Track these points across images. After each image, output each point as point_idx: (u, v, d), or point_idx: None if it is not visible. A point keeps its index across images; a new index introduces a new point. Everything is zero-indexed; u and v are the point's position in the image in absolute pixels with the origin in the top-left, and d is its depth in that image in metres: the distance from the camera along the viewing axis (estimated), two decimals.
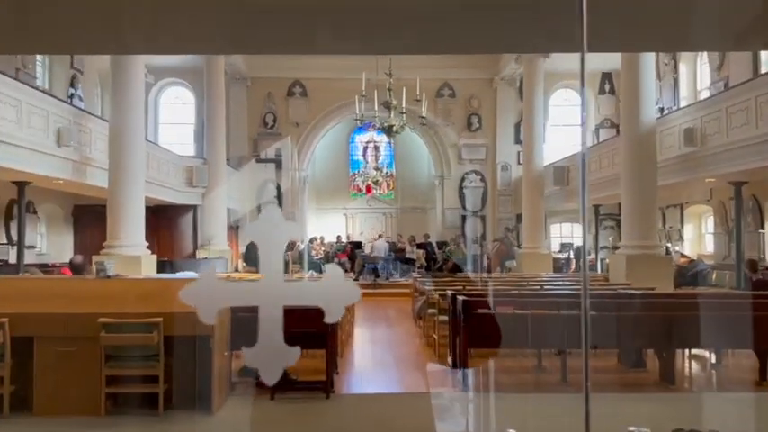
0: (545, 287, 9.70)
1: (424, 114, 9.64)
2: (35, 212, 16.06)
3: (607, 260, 18.86)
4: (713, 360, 7.74)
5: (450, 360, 7.31)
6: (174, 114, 22.70)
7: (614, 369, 7.40)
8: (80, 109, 12.07)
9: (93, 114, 12.55)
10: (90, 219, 16.53)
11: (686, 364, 7.70)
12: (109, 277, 5.86)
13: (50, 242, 17.25)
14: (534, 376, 7.06)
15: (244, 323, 6.48)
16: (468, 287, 9.67)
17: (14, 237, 14.99)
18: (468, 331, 6.35)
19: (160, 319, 5.38)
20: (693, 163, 11.65)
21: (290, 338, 5.92)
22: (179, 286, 5.28)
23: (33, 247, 15.98)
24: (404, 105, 9.57)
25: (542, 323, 6.41)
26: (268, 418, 5.43)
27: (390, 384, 7.00)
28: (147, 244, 11.60)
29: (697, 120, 11.39)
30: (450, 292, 7.23)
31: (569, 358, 6.75)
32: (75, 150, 11.30)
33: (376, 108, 9.51)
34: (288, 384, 6.43)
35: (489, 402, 5.94)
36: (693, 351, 8.09)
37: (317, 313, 5.67)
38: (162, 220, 18.57)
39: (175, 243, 19.24)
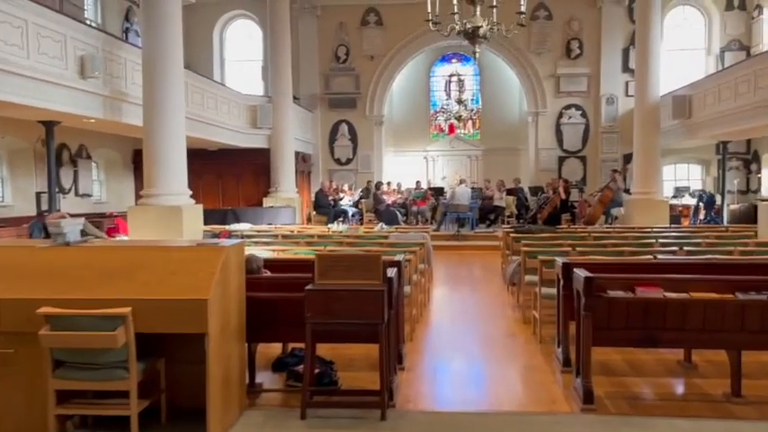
0: (684, 248, 7.35)
1: (522, 9, 7.18)
2: (89, 158, 14.91)
3: (732, 206, 16.06)
4: None
5: (559, 355, 5.23)
6: (240, 51, 21.08)
7: None
8: (108, 33, 10.39)
9: (124, 41, 10.87)
10: None
11: None
12: (68, 244, 4.07)
13: (110, 190, 16.19)
14: (686, 385, 4.87)
15: (263, 308, 4.62)
16: (577, 247, 7.48)
17: (66, 185, 13.90)
18: (594, 323, 4.24)
19: (127, 309, 3.57)
20: None
21: (335, 331, 3.41)
22: (163, 257, 2.90)
23: (89, 195, 14.91)
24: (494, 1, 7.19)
25: (709, 312, 4.20)
26: None
27: (477, 392, 5.02)
28: (191, 192, 9.98)
29: None
30: (560, 261, 5.09)
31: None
32: (104, 83, 9.71)
33: (455, 2, 7.15)
34: (328, 393, 4.57)
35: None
36: None
37: (370, 296, 3.14)
38: (226, 165, 17.25)
39: (242, 190, 17.89)
